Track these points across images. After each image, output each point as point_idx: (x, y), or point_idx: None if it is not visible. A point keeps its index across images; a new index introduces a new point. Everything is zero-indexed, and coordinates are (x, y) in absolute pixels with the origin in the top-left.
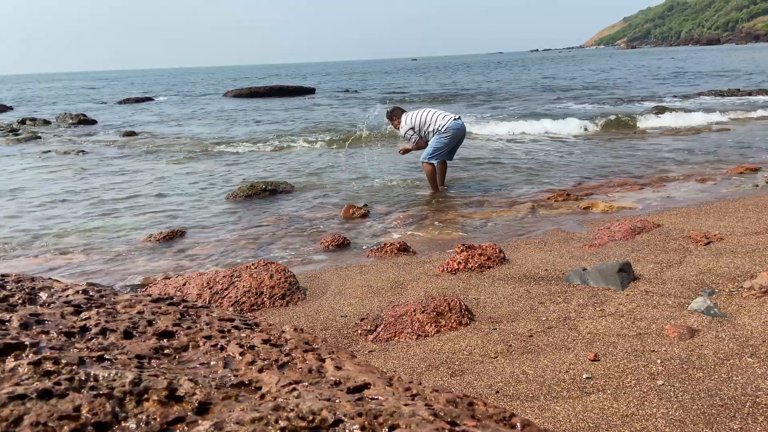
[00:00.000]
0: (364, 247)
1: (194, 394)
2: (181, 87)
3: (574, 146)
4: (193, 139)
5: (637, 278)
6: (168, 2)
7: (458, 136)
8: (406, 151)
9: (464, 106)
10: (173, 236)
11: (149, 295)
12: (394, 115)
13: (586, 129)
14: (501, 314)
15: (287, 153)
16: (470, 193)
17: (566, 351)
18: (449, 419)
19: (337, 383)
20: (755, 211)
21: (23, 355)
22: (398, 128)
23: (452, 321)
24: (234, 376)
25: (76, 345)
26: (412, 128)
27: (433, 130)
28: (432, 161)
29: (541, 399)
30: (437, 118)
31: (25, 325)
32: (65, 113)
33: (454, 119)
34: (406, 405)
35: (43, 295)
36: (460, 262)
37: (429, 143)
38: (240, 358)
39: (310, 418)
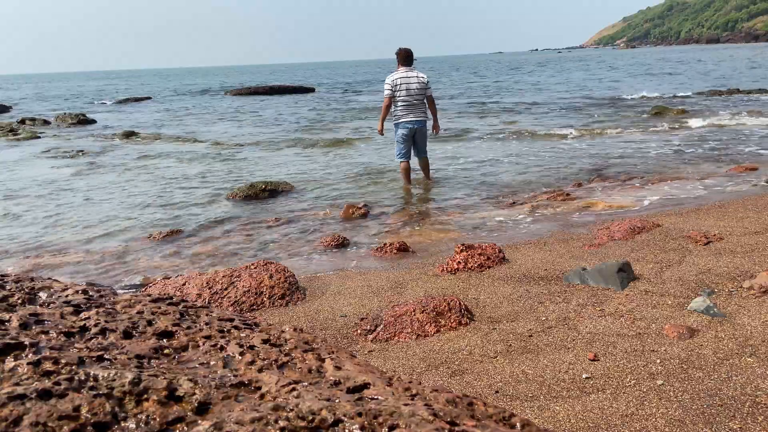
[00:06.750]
0: (363, 247)
1: (194, 394)
2: (181, 87)
3: (576, 146)
4: (192, 139)
5: (636, 278)
6: (168, 2)
7: (413, 131)
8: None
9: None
10: (173, 236)
11: (149, 295)
12: (399, 58)
13: None
14: (501, 314)
15: (288, 154)
16: (470, 193)
17: (566, 351)
18: (449, 419)
19: (336, 383)
20: (755, 211)
21: (23, 355)
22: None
23: (452, 321)
24: (234, 376)
25: (76, 345)
26: (390, 83)
27: (396, 107)
28: (401, 159)
29: (541, 399)
30: (402, 104)
31: (24, 325)
32: (65, 113)
33: (414, 120)
34: (405, 405)
35: (43, 295)
36: (459, 262)
37: (395, 138)
38: (240, 358)
39: (310, 418)
